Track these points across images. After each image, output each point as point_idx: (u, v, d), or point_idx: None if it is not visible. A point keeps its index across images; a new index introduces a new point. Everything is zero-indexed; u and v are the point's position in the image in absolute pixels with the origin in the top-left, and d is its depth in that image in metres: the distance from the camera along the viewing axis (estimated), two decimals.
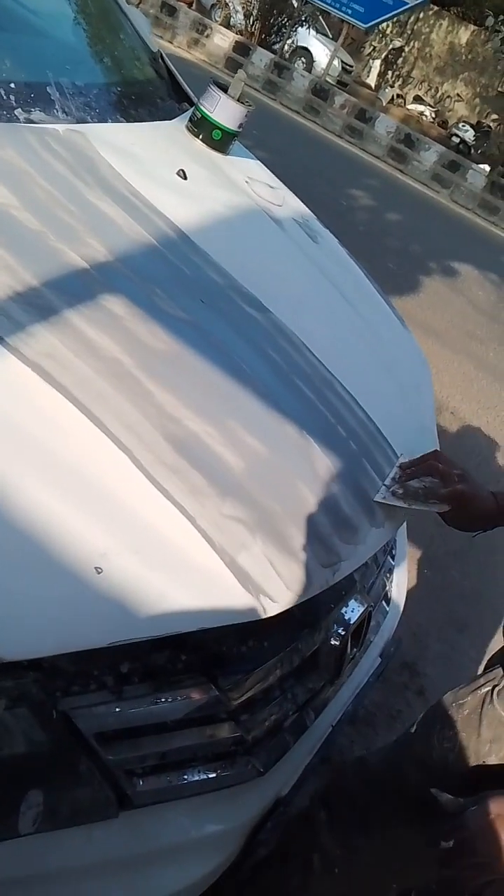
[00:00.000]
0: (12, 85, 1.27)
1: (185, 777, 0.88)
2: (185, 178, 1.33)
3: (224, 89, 1.51)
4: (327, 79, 11.97)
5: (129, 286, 0.99)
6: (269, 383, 1.02)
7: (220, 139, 1.54)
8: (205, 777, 0.89)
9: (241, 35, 11.76)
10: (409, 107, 19.32)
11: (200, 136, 1.54)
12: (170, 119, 1.61)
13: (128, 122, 1.45)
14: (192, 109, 1.57)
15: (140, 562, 0.75)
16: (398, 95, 19.92)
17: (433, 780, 0.98)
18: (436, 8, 19.12)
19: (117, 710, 0.78)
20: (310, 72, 12.20)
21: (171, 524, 0.79)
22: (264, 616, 0.81)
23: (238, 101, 1.51)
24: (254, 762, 0.94)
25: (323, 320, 1.27)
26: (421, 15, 18.84)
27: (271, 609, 0.82)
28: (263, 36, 12.29)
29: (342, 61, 14.53)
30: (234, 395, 0.97)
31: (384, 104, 17.34)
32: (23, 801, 0.75)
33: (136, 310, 0.96)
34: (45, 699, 0.74)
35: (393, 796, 1.15)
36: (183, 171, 1.34)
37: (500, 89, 19.72)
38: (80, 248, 0.99)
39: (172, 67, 1.86)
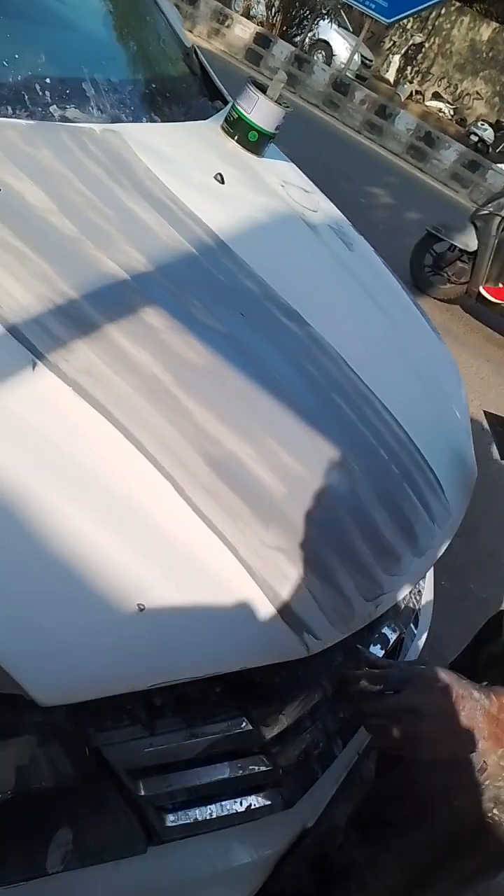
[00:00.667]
0: (47, 80, 1.23)
1: (214, 810, 0.85)
2: (223, 182, 1.29)
3: (262, 89, 1.47)
4: (347, 73, 11.86)
5: (167, 296, 0.95)
6: (309, 400, 0.98)
7: (255, 140, 1.49)
8: (233, 810, 0.86)
9: (262, 26, 11.64)
10: (428, 103, 19.14)
11: (236, 137, 1.50)
12: (204, 118, 1.56)
13: (163, 121, 1.41)
14: (227, 108, 1.53)
15: (182, 597, 0.71)
16: (417, 91, 19.74)
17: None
18: (458, 4, 18.91)
19: (150, 745, 0.75)
20: (329, 65, 12.08)
21: (213, 554, 0.75)
22: (307, 655, 0.78)
23: (276, 102, 1.46)
24: (283, 793, 0.90)
25: (360, 332, 1.23)
26: (442, 11, 18.63)
27: (314, 647, 0.78)
28: (284, 28, 12.17)
29: (362, 56, 14.38)
30: (273, 412, 0.93)
31: (402, 100, 17.18)
32: (52, 839, 0.72)
33: (173, 322, 0.93)
34: (77, 735, 0.70)
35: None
36: (220, 174, 1.29)
37: None
38: (118, 255, 0.95)
39: (206, 63, 1.82)
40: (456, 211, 8.96)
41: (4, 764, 0.68)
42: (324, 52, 13.98)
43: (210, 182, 1.27)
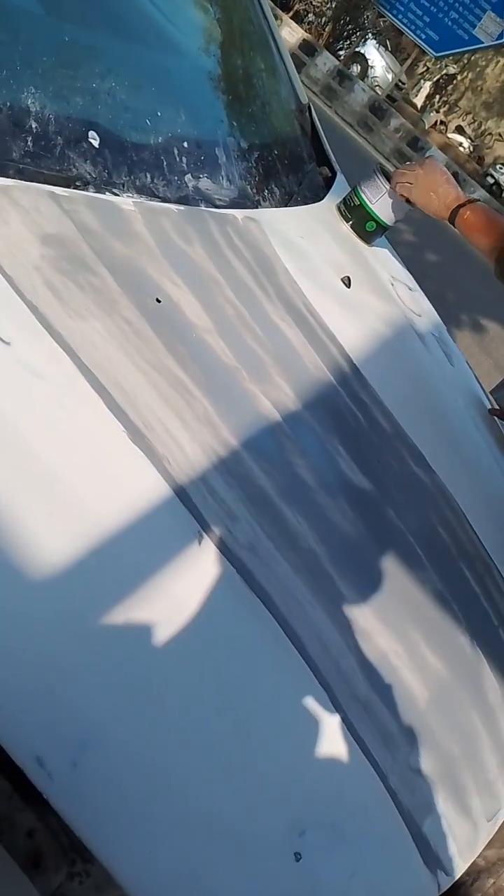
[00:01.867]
0: (185, 144, 1.14)
1: None
2: (349, 285, 1.22)
3: (388, 177, 1.39)
4: (378, 91, 11.77)
5: (317, 445, 0.88)
6: (442, 574, 0.92)
7: (371, 231, 1.42)
8: None
9: (310, 33, 11.50)
10: (450, 135, 19.24)
11: (350, 223, 1.42)
12: (317, 192, 1.48)
13: (286, 197, 1.33)
14: (344, 188, 1.45)
15: (335, 839, 0.64)
16: (441, 122, 19.84)
17: None
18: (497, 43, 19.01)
19: None
20: (363, 79, 11.98)
21: (364, 782, 0.68)
22: (437, 894, 0.71)
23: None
24: None
25: (473, 479, 1.17)
26: None
27: (444, 883, 0.72)
28: (331, 40, 12.05)
29: (399, 77, 14.35)
30: (414, 594, 0.86)
31: (426, 127, 17.23)
32: None
33: (324, 477, 0.85)
34: None
35: None
36: (348, 278, 1.22)
37: None
38: (271, 390, 0.87)
39: (318, 123, 1.73)
40: (473, 256, 9.01)
41: None
42: (359, 66, 13.89)
43: (338, 285, 1.20)
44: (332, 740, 0.68)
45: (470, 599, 0.94)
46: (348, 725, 0.69)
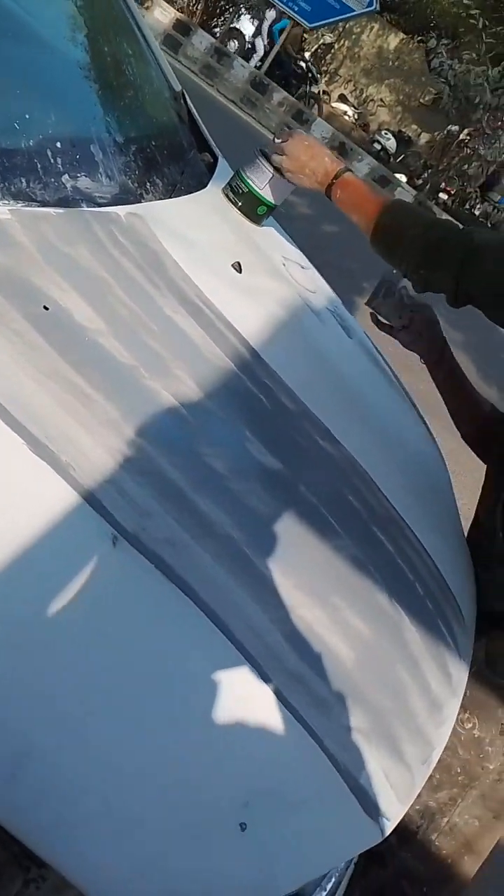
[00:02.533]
0: (58, 144, 1.13)
1: None
2: (240, 271, 1.24)
3: (271, 161, 1.41)
4: (257, 66, 11.72)
5: (224, 433, 0.90)
6: (356, 539, 0.96)
7: (262, 214, 1.44)
8: None
9: (182, 13, 11.34)
10: (334, 104, 19.38)
11: (240, 206, 1.44)
12: (202, 179, 1.49)
13: (169, 187, 1.33)
14: (232, 176, 1.46)
15: (278, 805, 0.68)
16: (324, 91, 19.94)
17: None
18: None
19: None
20: (241, 55, 11.91)
21: (302, 748, 0.72)
22: (382, 839, 0.76)
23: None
24: None
25: (380, 447, 1.22)
26: None
27: (387, 829, 0.77)
28: (205, 18, 11.92)
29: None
30: (331, 562, 0.90)
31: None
32: None
33: (234, 464, 0.88)
34: None
35: None
36: (238, 263, 1.24)
37: (421, 101, 20.22)
38: (172, 384, 0.89)
39: (194, 110, 1.74)
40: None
41: None
42: (237, 42, 13.81)
43: (230, 272, 1.22)
44: (267, 713, 0.71)
45: (385, 559, 0.99)
46: (280, 697, 0.72)
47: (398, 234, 1.16)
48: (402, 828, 1.13)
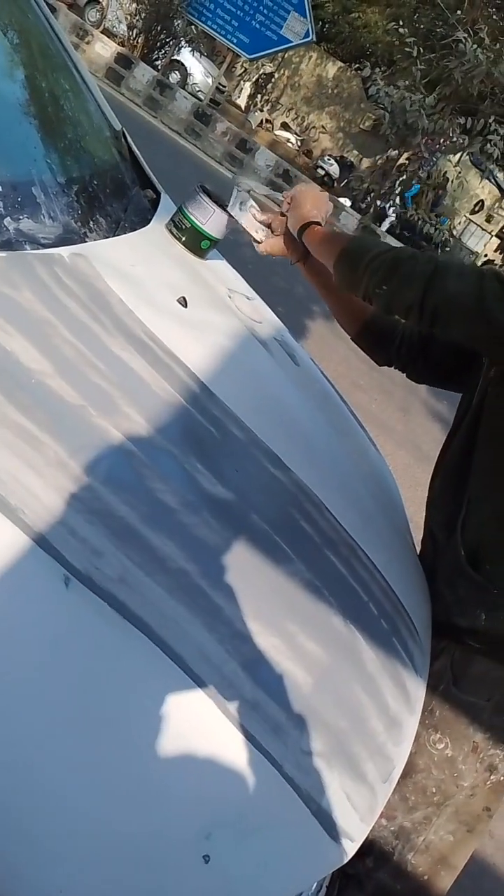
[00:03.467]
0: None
1: None
2: (186, 305, 1.26)
3: (212, 198, 1.45)
4: (200, 97, 11.92)
5: (175, 467, 0.92)
6: (309, 563, 0.98)
7: (206, 248, 1.47)
8: None
9: (124, 46, 11.49)
10: (277, 132, 19.77)
11: (183, 240, 1.47)
12: (144, 216, 1.52)
13: (113, 225, 1.36)
14: (175, 211, 1.49)
15: (240, 834, 0.69)
16: (267, 120, 20.34)
17: None
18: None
19: None
20: (184, 87, 12.09)
21: (261, 775, 0.73)
22: (346, 860, 0.77)
23: (225, 210, 1.45)
24: None
25: (329, 471, 1.25)
26: None
27: (350, 850, 0.78)
28: (146, 51, 12.09)
29: (217, 82, 14.62)
30: (285, 588, 0.92)
31: (253, 127, 17.64)
32: None
33: (185, 497, 0.89)
34: None
35: None
36: (184, 298, 1.26)
37: (361, 126, 20.74)
38: (122, 421, 0.90)
39: (134, 147, 1.77)
40: None
41: None
42: (178, 73, 14.03)
43: (176, 307, 1.24)
44: (225, 743, 0.72)
45: (338, 581, 1.01)
46: (238, 726, 0.73)
47: (363, 253, 1.16)
48: (378, 849, 1.14)
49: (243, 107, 20.63)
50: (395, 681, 0.98)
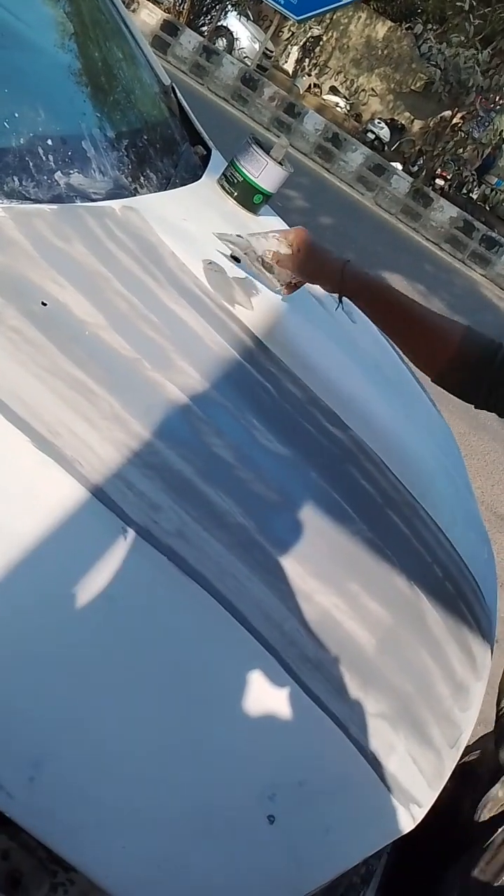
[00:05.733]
0: (49, 142, 1.12)
1: None
2: (239, 261, 1.22)
3: (264, 149, 1.40)
4: (247, 62, 11.66)
5: (231, 422, 0.89)
6: (371, 523, 0.95)
7: (258, 203, 1.42)
8: None
9: (169, 13, 11.29)
10: (325, 97, 19.29)
11: (235, 196, 1.43)
12: (195, 171, 1.48)
13: (163, 180, 1.32)
14: (227, 166, 1.45)
15: (305, 796, 0.66)
16: (315, 84, 19.85)
17: None
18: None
19: None
20: (230, 52, 11.86)
21: (326, 736, 0.70)
22: (413, 825, 0.75)
23: (279, 163, 1.40)
24: None
25: (388, 428, 1.20)
26: None
27: (418, 815, 0.75)
28: (192, 17, 11.86)
29: (264, 46, 14.29)
30: (346, 547, 0.89)
31: (301, 92, 17.25)
32: None
33: (242, 452, 0.86)
34: None
35: None
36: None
37: (412, 87, 20.06)
38: (176, 376, 0.87)
39: (184, 103, 1.72)
40: (363, 215, 9.16)
41: None
42: (225, 39, 13.75)
43: (228, 263, 1.20)
44: (289, 703, 0.69)
45: (401, 542, 0.97)
46: (302, 685, 0.71)
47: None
48: None
49: (290, 72, 20.15)
50: (462, 645, 0.94)
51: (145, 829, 0.57)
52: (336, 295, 1.04)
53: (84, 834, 0.55)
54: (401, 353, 1.56)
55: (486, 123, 12.70)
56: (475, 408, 0.97)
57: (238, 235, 1.12)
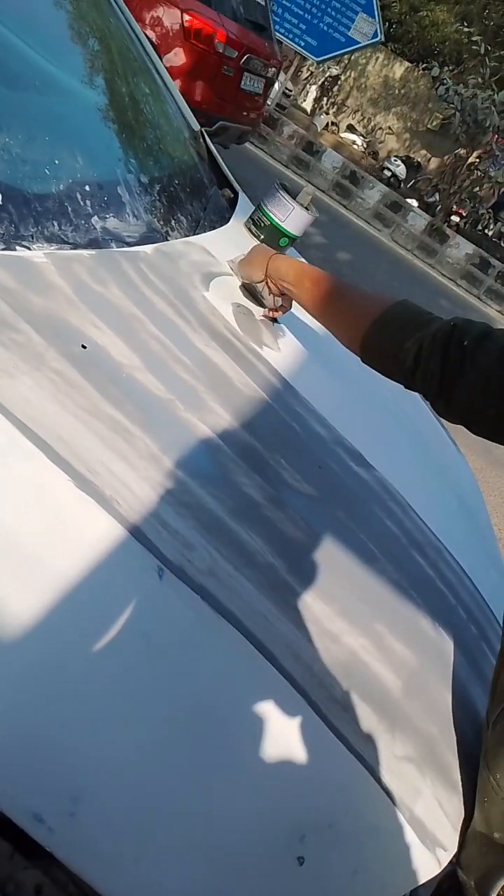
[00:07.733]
0: (87, 188, 1.16)
1: None
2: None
3: (290, 194, 1.44)
4: (268, 102, 11.93)
5: (259, 461, 0.91)
6: (396, 563, 0.96)
7: (284, 246, 1.46)
8: None
9: None
10: (342, 135, 19.62)
11: (262, 238, 1.46)
12: (224, 217, 1.52)
13: (193, 224, 1.36)
14: (254, 210, 1.49)
15: (334, 838, 0.67)
16: (332, 123, 20.21)
17: None
18: None
19: None
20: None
21: (355, 778, 0.71)
22: (439, 870, 0.75)
23: (305, 208, 1.44)
24: None
25: (413, 469, 1.22)
26: None
27: (444, 859, 0.75)
28: None
29: (284, 86, 14.63)
30: (372, 588, 0.90)
31: (319, 130, 17.57)
32: None
33: (270, 492, 0.88)
34: None
35: None
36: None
37: (429, 126, 20.38)
38: (208, 416, 0.90)
39: (212, 147, 1.78)
40: (380, 251, 9.26)
41: None
42: None
43: (254, 306, 1.23)
44: (318, 744, 0.70)
45: (426, 584, 0.98)
46: (330, 727, 0.72)
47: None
48: None
49: (309, 110, 20.56)
50: (484, 688, 0.95)
51: (179, 864, 0.58)
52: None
53: (119, 866, 0.56)
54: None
55: (502, 162, 12.87)
56: (405, 387, 0.89)
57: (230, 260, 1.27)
